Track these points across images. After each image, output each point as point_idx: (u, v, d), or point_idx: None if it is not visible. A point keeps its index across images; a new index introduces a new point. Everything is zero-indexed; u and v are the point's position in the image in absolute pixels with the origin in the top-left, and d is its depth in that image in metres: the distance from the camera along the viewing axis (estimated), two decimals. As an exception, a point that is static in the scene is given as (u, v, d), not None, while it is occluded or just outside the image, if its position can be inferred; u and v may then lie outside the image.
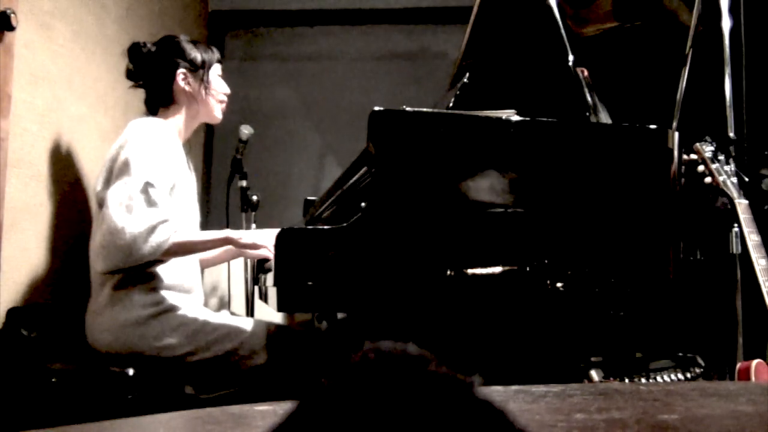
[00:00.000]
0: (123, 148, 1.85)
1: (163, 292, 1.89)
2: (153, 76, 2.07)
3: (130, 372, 1.78)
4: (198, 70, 2.07)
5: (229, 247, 2.18)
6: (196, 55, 2.08)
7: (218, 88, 2.12)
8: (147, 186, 1.79)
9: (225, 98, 2.15)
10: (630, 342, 2.34)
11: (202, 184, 3.85)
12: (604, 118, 1.97)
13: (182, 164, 2.00)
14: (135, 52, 2.09)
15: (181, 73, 2.05)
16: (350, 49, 4.07)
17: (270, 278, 1.76)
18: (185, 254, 1.93)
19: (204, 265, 2.32)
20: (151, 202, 1.79)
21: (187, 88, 2.05)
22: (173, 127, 2.03)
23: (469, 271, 1.57)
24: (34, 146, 1.99)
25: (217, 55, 2.14)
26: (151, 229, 1.75)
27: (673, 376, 2.20)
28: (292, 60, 4.07)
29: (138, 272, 1.85)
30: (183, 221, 1.96)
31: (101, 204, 1.86)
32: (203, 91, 2.07)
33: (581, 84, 1.92)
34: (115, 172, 1.83)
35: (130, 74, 2.10)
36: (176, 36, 2.12)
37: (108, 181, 1.85)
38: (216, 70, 2.12)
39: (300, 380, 1.82)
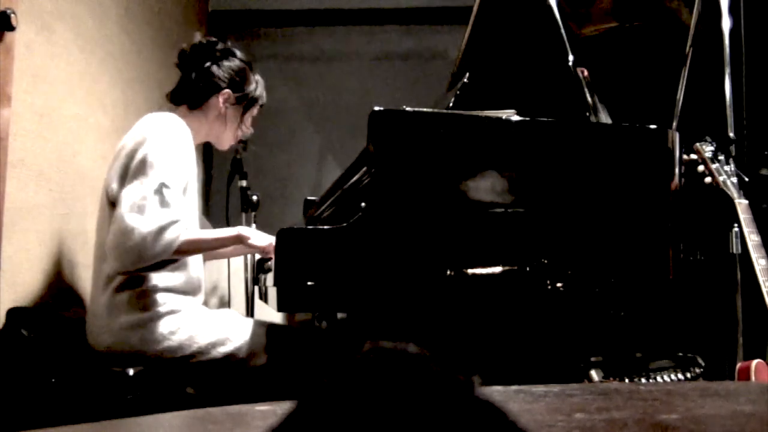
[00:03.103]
0: (141, 145, 1.82)
1: (164, 295, 1.88)
2: (200, 75, 2.01)
3: (130, 372, 1.78)
4: (242, 101, 2.05)
5: (236, 247, 2.18)
6: (252, 88, 2.06)
7: (246, 127, 2.12)
8: (162, 186, 1.77)
9: (242, 137, 2.16)
10: (630, 342, 2.34)
11: (202, 184, 3.85)
12: (604, 118, 1.98)
13: (194, 164, 1.99)
14: (207, 46, 2.04)
15: (226, 92, 2.01)
16: (350, 49, 4.07)
17: (270, 278, 1.76)
18: (196, 252, 1.92)
19: (209, 258, 2.32)
20: (164, 203, 1.77)
21: (222, 109, 2.03)
22: (189, 128, 1.97)
23: (469, 271, 1.57)
24: (34, 146, 1.99)
25: (264, 99, 2.12)
26: (161, 229, 1.74)
27: (673, 376, 2.20)
28: (292, 60, 4.07)
29: (139, 275, 1.85)
30: (192, 220, 1.96)
31: (114, 202, 1.83)
32: (235, 122, 2.07)
33: (581, 84, 1.92)
34: (132, 171, 1.80)
35: (183, 57, 2.04)
36: (249, 62, 2.09)
37: (123, 180, 1.82)
38: (254, 111, 2.12)
39: (300, 380, 1.82)
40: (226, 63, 2.04)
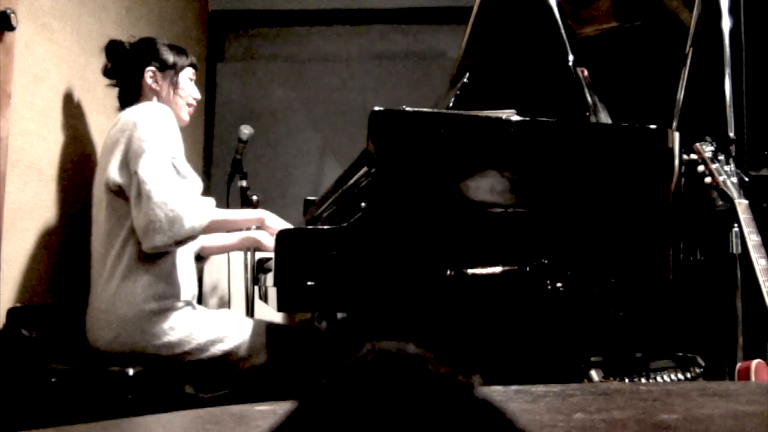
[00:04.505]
0: (134, 131, 1.86)
1: (164, 288, 1.89)
2: (124, 73, 2.12)
3: (130, 372, 1.78)
4: (167, 70, 2.11)
5: (248, 234, 2.22)
6: (168, 56, 2.12)
7: (187, 90, 2.16)
8: (172, 160, 1.86)
9: (194, 102, 2.19)
10: (630, 342, 2.34)
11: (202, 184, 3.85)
12: (604, 118, 1.97)
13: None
14: (112, 49, 2.14)
15: (150, 70, 2.09)
16: (350, 49, 4.07)
17: (270, 278, 1.76)
18: (222, 230, 2.05)
19: (210, 252, 2.34)
20: (181, 174, 1.87)
21: (154, 85, 2.09)
22: None
23: (469, 271, 1.57)
24: (34, 146, 1.99)
25: (190, 59, 2.18)
26: (193, 201, 1.84)
27: (673, 376, 2.20)
28: (292, 60, 4.07)
29: (139, 267, 1.86)
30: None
31: (117, 190, 1.87)
32: (171, 91, 2.11)
33: (581, 84, 1.92)
34: (134, 154, 1.84)
35: (106, 71, 2.15)
36: (154, 38, 2.17)
37: (126, 165, 1.86)
38: (187, 73, 2.16)
39: (300, 380, 1.83)
40: (135, 50, 2.13)
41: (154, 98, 2.10)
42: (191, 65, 2.18)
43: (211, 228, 1.89)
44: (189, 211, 1.80)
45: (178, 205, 1.79)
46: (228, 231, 2.10)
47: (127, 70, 2.11)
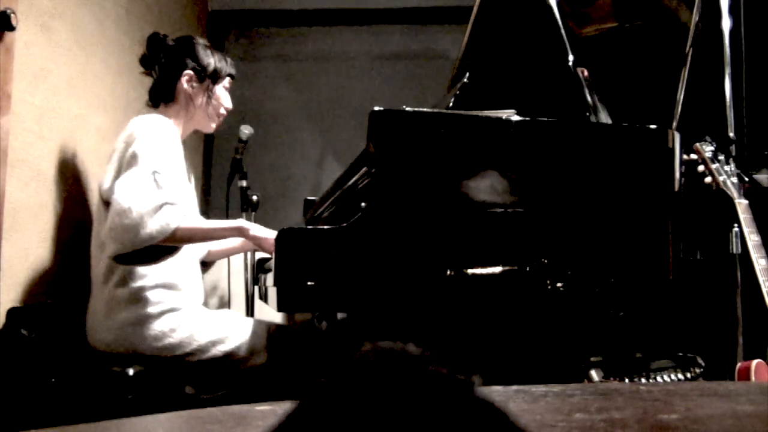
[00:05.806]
0: (130, 144, 1.85)
1: (164, 292, 1.89)
2: (162, 69, 2.09)
3: (130, 372, 1.78)
4: (206, 77, 2.08)
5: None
6: (209, 61, 2.08)
7: (221, 100, 2.13)
8: (154, 173, 1.80)
9: (225, 113, 2.16)
10: (630, 342, 2.34)
11: (202, 184, 3.85)
12: (604, 118, 1.97)
13: (183, 166, 2.01)
14: (153, 41, 2.12)
15: (187, 74, 2.06)
16: (350, 49, 4.07)
17: (270, 278, 1.76)
18: (194, 241, 1.90)
19: (216, 257, 2.33)
20: (158, 186, 1.79)
21: (189, 90, 2.07)
22: (174, 125, 2.02)
23: (469, 271, 1.57)
24: (34, 146, 1.99)
25: (230, 68, 2.14)
26: (158, 208, 1.74)
27: (673, 376, 2.20)
28: (292, 60, 4.07)
29: (137, 270, 1.86)
30: (191, 210, 1.97)
31: (107, 200, 1.85)
32: (204, 99, 2.09)
33: (581, 84, 1.92)
34: (124, 166, 1.84)
35: (143, 60, 2.13)
36: (195, 38, 2.14)
37: (117, 177, 1.85)
38: (224, 82, 2.13)
39: (300, 380, 1.83)
40: (176, 48, 2.09)
41: (185, 102, 2.07)
42: (230, 75, 2.14)
43: (178, 238, 1.77)
44: (149, 218, 1.72)
45: (138, 213, 1.72)
46: (202, 241, 2.00)
47: (165, 68, 2.08)
